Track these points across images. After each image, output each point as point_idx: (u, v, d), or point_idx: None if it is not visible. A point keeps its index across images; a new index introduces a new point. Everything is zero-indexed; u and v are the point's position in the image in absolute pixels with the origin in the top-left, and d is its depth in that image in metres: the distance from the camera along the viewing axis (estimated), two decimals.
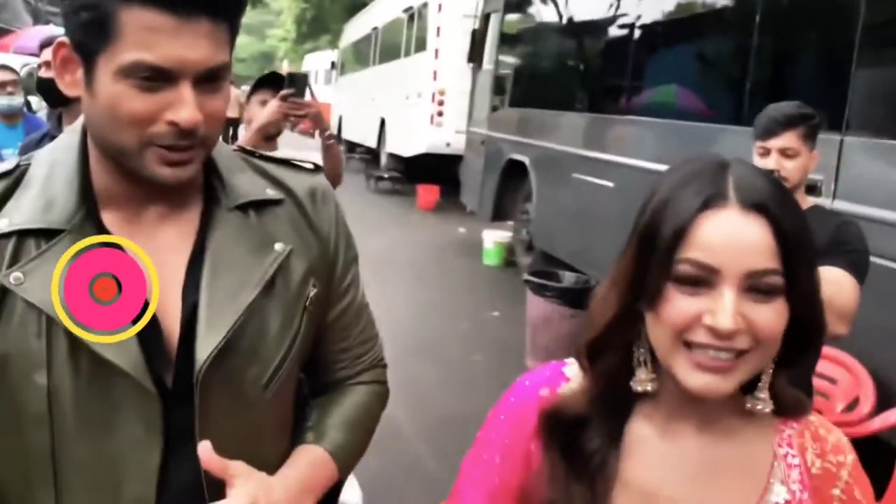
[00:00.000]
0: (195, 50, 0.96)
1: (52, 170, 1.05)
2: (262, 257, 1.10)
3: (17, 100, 5.03)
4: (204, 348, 1.03)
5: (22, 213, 1.02)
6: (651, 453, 1.00)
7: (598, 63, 6.83)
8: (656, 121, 5.45)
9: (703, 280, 0.89)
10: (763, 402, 0.96)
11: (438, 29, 12.18)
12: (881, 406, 2.93)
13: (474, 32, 9.63)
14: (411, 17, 14.00)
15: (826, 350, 3.23)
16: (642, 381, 0.98)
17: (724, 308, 0.87)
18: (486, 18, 9.39)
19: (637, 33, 5.91)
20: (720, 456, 0.99)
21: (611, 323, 0.98)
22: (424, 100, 12.21)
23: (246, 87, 15.22)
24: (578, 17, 7.06)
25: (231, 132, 16.60)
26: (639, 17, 5.87)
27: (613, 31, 6.39)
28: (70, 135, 1.09)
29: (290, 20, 36.99)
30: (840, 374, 3.10)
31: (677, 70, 5.45)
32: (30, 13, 20.80)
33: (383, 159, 15.18)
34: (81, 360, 1.00)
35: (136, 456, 1.03)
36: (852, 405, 2.99)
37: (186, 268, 1.08)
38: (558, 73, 7.60)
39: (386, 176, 14.07)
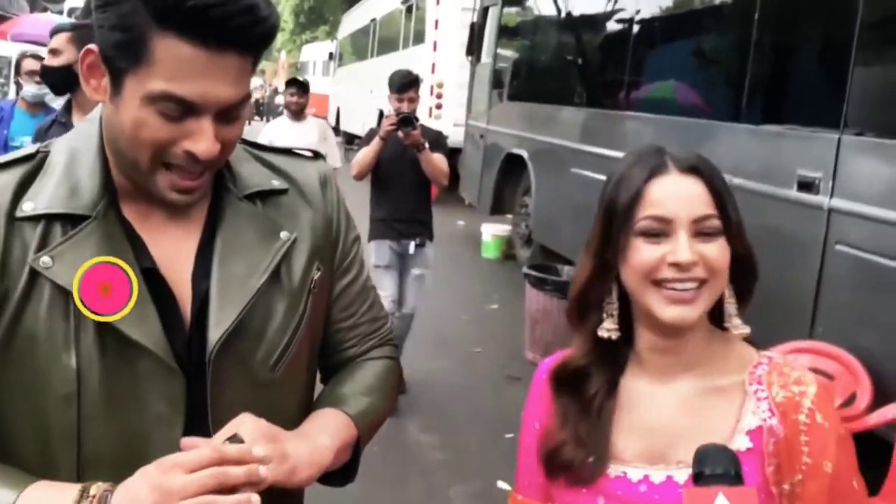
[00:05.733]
0: (222, 87, 1.00)
1: (73, 157, 1.08)
2: (268, 245, 1.14)
3: (45, 89, 5.04)
4: (216, 330, 1.08)
5: (47, 197, 1.05)
6: (642, 400, 1.20)
7: (597, 57, 6.86)
8: (654, 116, 5.48)
9: (661, 231, 1.12)
10: (739, 326, 1.17)
11: (437, 21, 12.17)
12: (878, 402, 2.97)
13: (473, 26, 9.64)
14: (409, 9, 13.99)
15: (823, 346, 3.27)
16: (607, 329, 1.20)
17: (682, 246, 1.10)
18: (484, 11, 9.40)
19: (636, 28, 5.94)
20: (700, 395, 1.18)
21: (588, 280, 1.20)
22: (422, 92, 12.20)
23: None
24: (577, 11, 7.08)
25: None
26: (638, 12, 5.90)
27: (612, 26, 6.41)
28: (89, 124, 1.12)
29: (288, 10, 36.85)
30: (837, 370, 3.14)
31: (676, 65, 5.48)
32: (26, 0, 20.70)
33: None
34: (108, 340, 1.03)
35: (159, 432, 1.06)
36: (849, 401, 3.03)
37: (196, 254, 1.12)
38: (557, 68, 7.63)
39: None
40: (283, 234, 1.16)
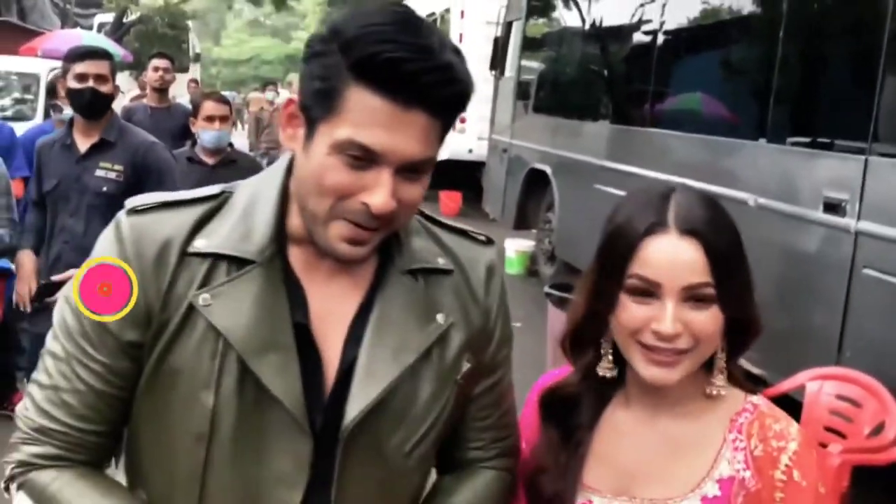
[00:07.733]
0: (406, 141, 0.99)
1: (254, 201, 1.10)
2: (424, 325, 1.12)
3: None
4: (356, 404, 1.06)
5: (221, 237, 1.07)
6: (622, 433, 1.21)
7: (620, 73, 6.81)
8: (679, 134, 5.42)
9: (649, 292, 1.09)
10: (719, 387, 1.16)
11: (461, 35, 12.16)
12: None
13: (496, 40, 9.63)
14: (434, 22, 14.00)
15: (850, 373, 3.19)
16: (603, 367, 1.21)
17: (667, 316, 1.08)
18: (508, 26, 9.38)
19: (660, 44, 5.89)
20: (680, 436, 1.18)
21: (579, 322, 1.21)
22: None
23: (270, 88, 15.30)
24: (601, 27, 7.03)
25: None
26: (662, 25, 5.84)
27: (636, 41, 6.37)
28: (276, 170, 1.14)
29: (315, 23, 37.19)
30: (864, 398, 3.06)
31: (702, 82, 5.42)
32: (58, 15, 21.05)
33: None
34: (247, 387, 1.04)
35: (279, 490, 1.07)
36: (877, 430, 2.95)
37: (351, 321, 1.11)
38: (581, 82, 7.58)
39: None
40: (440, 318, 1.14)
